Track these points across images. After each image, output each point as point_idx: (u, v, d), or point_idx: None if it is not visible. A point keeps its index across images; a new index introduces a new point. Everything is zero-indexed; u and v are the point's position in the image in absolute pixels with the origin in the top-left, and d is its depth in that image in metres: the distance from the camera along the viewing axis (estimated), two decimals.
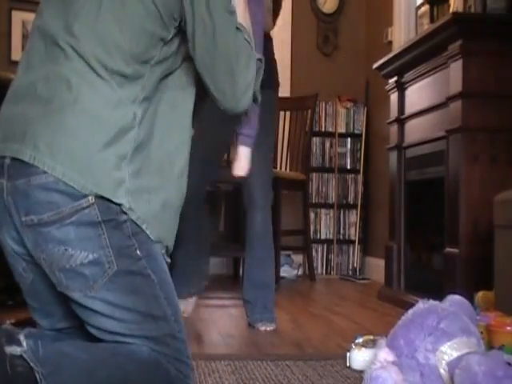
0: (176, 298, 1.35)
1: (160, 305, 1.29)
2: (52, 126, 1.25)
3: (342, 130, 4.79)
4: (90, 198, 1.23)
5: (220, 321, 2.78)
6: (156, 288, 1.29)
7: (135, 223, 1.28)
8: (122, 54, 1.29)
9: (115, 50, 1.29)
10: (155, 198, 1.33)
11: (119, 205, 1.26)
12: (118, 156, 1.27)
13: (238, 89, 1.36)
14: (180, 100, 1.40)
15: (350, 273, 4.66)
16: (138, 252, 1.28)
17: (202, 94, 1.45)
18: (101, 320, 1.26)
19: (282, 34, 4.87)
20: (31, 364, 1.15)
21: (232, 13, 1.35)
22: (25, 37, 4.42)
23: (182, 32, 1.35)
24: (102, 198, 1.24)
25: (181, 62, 1.39)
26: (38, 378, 1.15)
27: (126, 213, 1.27)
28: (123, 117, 1.28)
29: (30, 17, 4.42)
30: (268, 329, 2.52)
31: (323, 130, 4.78)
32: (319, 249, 4.72)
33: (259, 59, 1.45)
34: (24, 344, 1.17)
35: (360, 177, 4.71)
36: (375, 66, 3.64)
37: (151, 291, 1.29)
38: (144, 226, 1.30)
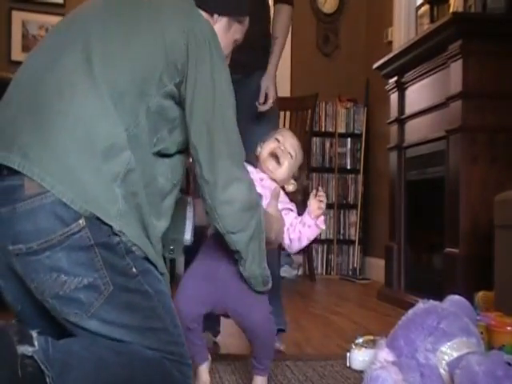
0: (172, 304, 1.35)
1: (158, 315, 1.29)
2: (42, 137, 1.23)
3: (342, 130, 4.79)
4: (80, 221, 1.20)
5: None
6: (153, 300, 1.28)
7: (127, 244, 1.26)
8: (125, 82, 1.30)
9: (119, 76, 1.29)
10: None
11: (110, 226, 1.23)
12: (111, 174, 1.24)
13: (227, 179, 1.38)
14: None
15: (350, 273, 4.66)
16: (134, 269, 1.26)
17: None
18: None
19: None
20: (41, 366, 1.14)
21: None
22: (25, 37, 4.43)
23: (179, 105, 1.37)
24: (92, 219, 1.21)
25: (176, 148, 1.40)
26: (47, 381, 1.15)
27: (117, 234, 1.24)
28: (116, 134, 1.26)
29: (30, 17, 4.43)
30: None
31: (323, 129, 4.78)
32: (319, 249, 4.73)
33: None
34: (36, 343, 1.16)
35: (360, 177, 4.71)
36: (375, 66, 3.64)
37: (148, 304, 1.28)
38: (134, 248, 1.27)
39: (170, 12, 1.39)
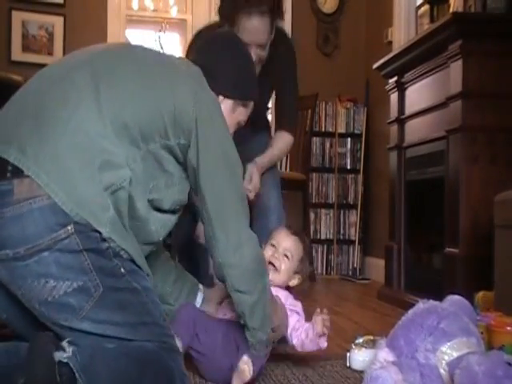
0: (157, 299, 1.37)
1: (148, 310, 1.31)
2: (42, 137, 1.23)
3: (342, 130, 4.79)
4: (69, 227, 1.20)
5: None
6: (142, 296, 1.30)
7: (115, 249, 1.27)
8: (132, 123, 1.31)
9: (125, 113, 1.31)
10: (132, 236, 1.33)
11: (100, 233, 1.23)
12: (105, 183, 1.25)
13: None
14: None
15: (350, 273, 4.66)
16: (122, 269, 1.27)
17: None
18: (93, 337, 1.25)
19: None
20: (76, 374, 1.16)
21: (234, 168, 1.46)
22: (25, 37, 4.43)
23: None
24: (82, 225, 1.21)
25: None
26: None
27: (106, 240, 1.24)
28: (115, 154, 1.27)
29: (30, 17, 4.43)
30: None
31: (323, 129, 4.78)
32: (319, 249, 4.72)
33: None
34: (70, 350, 1.17)
35: (360, 177, 4.71)
36: (375, 66, 3.64)
37: (138, 300, 1.29)
38: (122, 252, 1.28)
39: (184, 72, 1.43)
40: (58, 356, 1.15)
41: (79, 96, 1.29)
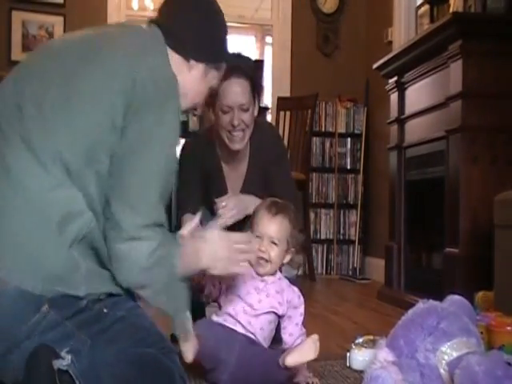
0: (144, 311, 1.36)
1: (140, 326, 1.31)
2: None
3: (342, 130, 4.79)
4: (44, 308, 1.17)
5: None
6: (130, 317, 1.30)
7: (94, 299, 1.25)
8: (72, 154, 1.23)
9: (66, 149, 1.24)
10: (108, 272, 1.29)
11: (76, 296, 1.21)
12: (68, 240, 1.21)
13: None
14: None
15: (350, 273, 4.66)
16: (105, 310, 1.26)
17: None
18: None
19: (281, 34, 4.88)
20: (76, 381, 1.15)
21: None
22: (25, 37, 4.42)
23: None
24: (57, 298, 1.18)
25: None
26: None
27: (83, 297, 1.22)
28: (72, 199, 1.22)
29: (30, 17, 4.43)
30: None
31: (323, 130, 4.78)
32: (319, 249, 4.72)
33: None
34: (68, 358, 1.17)
35: (360, 177, 4.71)
36: (375, 66, 3.64)
37: (128, 323, 1.29)
38: (102, 297, 1.27)
39: (118, 61, 1.29)
40: (58, 364, 1.15)
41: (8, 150, 1.21)
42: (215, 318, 1.75)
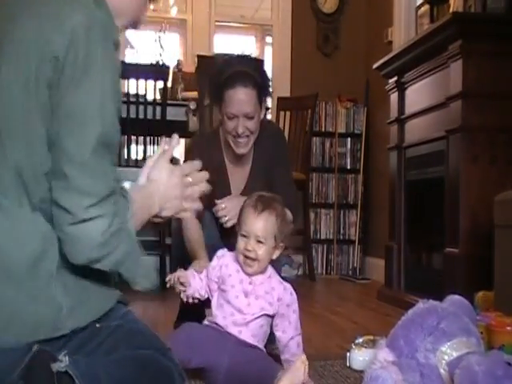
0: (135, 316, 1.35)
1: (134, 332, 1.30)
2: None
3: (342, 130, 4.79)
4: (34, 348, 1.12)
5: None
6: (126, 325, 1.29)
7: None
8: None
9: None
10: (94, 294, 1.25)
11: (63, 335, 1.17)
12: (45, 277, 1.15)
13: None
14: None
15: (350, 273, 4.66)
16: (97, 325, 1.24)
17: None
18: None
19: (282, 34, 4.88)
20: (76, 381, 1.13)
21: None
22: None
23: None
24: (42, 345, 1.14)
25: None
26: None
27: (75, 332, 1.19)
28: (32, 241, 1.15)
29: None
30: None
31: (323, 130, 4.78)
32: (319, 249, 4.72)
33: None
34: (66, 359, 1.14)
35: (360, 177, 4.71)
36: (375, 66, 3.64)
37: (125, 330, 1.28)
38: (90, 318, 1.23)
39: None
40: (56, 367, 1.12)
41: None
42: (207, 323, 1.76)
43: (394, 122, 3.50)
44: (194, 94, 3.94)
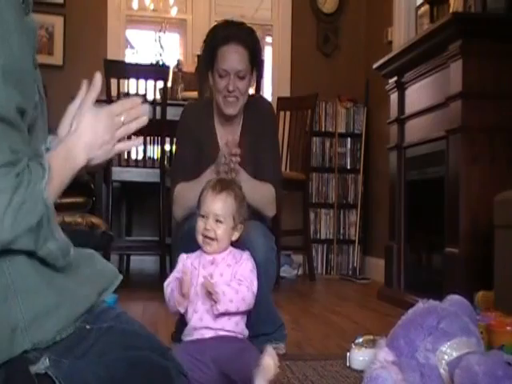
0: (129, 316, 1.33)
1: (127, 333, 1.29)
2: None
3: (342, 129, 4.80)
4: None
5: None
6: (118, 326, 1.27)
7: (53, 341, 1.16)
8: None
9: None
10: (57, 311, 1.17)
11: (25, 351, 1.11)
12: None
13: None
14: None
15: (350, 273, 4.66)
16: (87, 326, 1.22)
17: None
18: None
19: (281, 34, 4.88)
20: (56, 382, 1.10)
21: None
22: None
23: None
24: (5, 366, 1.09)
25: None
26: None
27: (35, 349, 1.13)
28: None
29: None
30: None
31: (323, 129, 4.78)
32: (319, 249, 4.73)
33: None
34: (46, 361, 1.12)
35: (360, 177, 4.71)
36: (375, 66, 3.64)
37: (117, 332, 1.27)
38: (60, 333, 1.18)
39: None
40: (35, 369, 1.09)
41: None
42: (186, 338, 1.73)
43: (393, 122, 3.51)
44: (194, 93, 3.94)
